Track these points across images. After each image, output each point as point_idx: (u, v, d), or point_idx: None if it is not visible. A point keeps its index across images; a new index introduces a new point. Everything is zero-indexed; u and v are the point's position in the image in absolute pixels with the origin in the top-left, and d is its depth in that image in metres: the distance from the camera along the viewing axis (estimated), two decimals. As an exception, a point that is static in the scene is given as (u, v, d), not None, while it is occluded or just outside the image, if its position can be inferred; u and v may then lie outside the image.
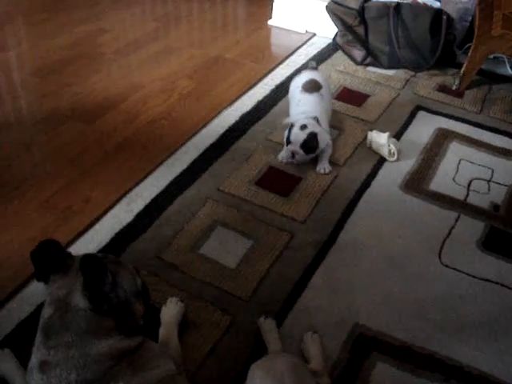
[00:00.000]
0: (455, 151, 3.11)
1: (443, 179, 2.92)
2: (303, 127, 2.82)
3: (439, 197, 2.81)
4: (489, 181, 2.94)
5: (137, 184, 2.78)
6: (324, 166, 2.92)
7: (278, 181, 2.84)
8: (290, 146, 2.87)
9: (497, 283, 2.39)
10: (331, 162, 2.95)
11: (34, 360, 1.66)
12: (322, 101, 3.05)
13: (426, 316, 2.25)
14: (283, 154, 2.95)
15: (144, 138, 3.11)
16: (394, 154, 2.97)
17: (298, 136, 2.82)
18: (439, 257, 2.49)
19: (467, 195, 2.84)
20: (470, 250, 2.55)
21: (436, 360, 2.10)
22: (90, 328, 1.62)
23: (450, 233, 2.61)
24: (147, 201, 2.67)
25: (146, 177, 2.82)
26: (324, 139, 2.87)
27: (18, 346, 2.02)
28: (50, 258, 1.70)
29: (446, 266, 2.45)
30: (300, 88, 3.09)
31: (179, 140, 3.07)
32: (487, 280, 2.41)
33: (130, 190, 2.74)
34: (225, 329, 2.15)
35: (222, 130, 3.15)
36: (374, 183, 2.86)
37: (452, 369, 2.08)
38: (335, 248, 2.50)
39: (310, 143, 2.81)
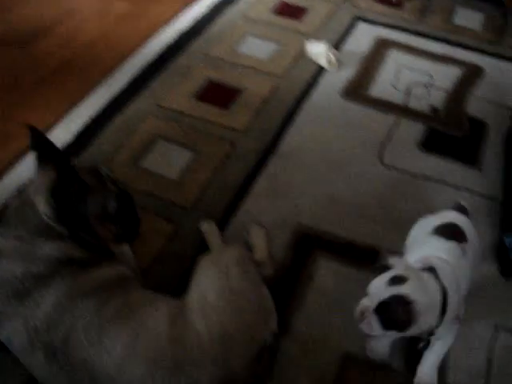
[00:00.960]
0: (395, 59, 3.13)
1: (383, 86, 2.94)
2: (395, 280, 1.59)
3: (379, 102, 2.83)
4: (428, 86, 2.97)
5: (76, 105, 2.73)
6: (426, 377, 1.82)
7: (218, 94, 2.82)
8: (363, 300, 1.65)
9: (437, 181, 2.45)
10: (268, 73, 2.93)
11: None
12: (462, 258, 1.81)
13: (367, 214, 2.30)
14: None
15: (81, 61, 3.03)
16: (333, 63, 2.96)
17: (378, 291, 1.61)
18: (380, 158, 2.53)
19: (407, 100, 2.86)
20: (411, 150, 2.59)
21: (378, 253, 2.16)
22: (43, 229, 1.64)
23: (390, 135, 2.65)
24: (86, 120, 2.64)
25: (84, 98, 2.78)
26: (428, 317, 1.60)
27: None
28: (44, 145, 1.74)
29: (387, 165, 2.50)
30: (432, 230, 1.91)
31: (117, 61, 3.01)
32: (428, 178, 2.46)
33: (69, 111, 2.70)
34: (169, 236, 2.18)
35: (160, 49, 3.10)
36: (314, 92, 2.86)
37: (393, 260, 2.14)
38: (276, 155, 2.52)
39: (391, 311, 1.56)
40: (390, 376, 1.84)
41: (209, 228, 2.17)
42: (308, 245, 2.18)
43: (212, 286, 1.72)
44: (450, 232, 1.85)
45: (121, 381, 1.52)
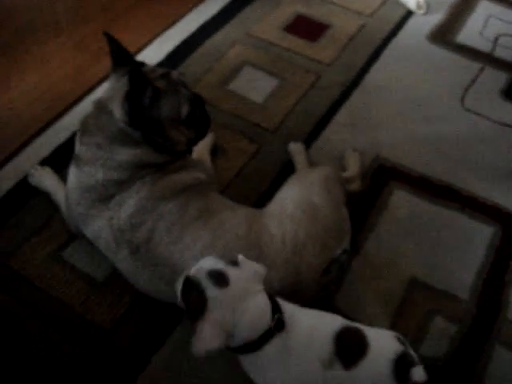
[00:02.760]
0: (485, 8, 3.10)
1: (470, 33, 2.93)
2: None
3: (465, 49, 2.83)
4: (516, 37, 2.95)
5: (168, 28, 2.83)
6: None
7: (306, 28, 2.87)
8: None
9: (516, 129, 2.47)
10: (356, 12, 2.97)
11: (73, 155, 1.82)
12: None
13: (445, 153, 2.35)
14: None
15: (174, -14, 3.13)
16: (421, 6, 2.97)
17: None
18: (461, 102, 2.55)
19: (493, 49, 2.85)
20: (492, 97, 2.60)
21: (452, 191, 2.22)
22: (120, 136, 1.72)
23: (473, 81, 2.66)
24: (177, 42, 2.74)
25: (176, 21, 2.87)
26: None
27: (57, 167, 2.17)
28: (120, 52, 1.81)
29: (468, 110, 2.52)
30: None
31: (209, -11, 3.09)
32: (507, 125, 2.48)
33: (162, 33, 2.80)
34: (251, 155, 2.28)
35: (250, -20, 3.16)
36: (401, 33, 2.88)
37: (467, 199, 2.20)
38: (360, 89, 2.57)
39: None
40: (455, 302, 1.92)
41: (297, 148, 2.25)
42: (385, 175, 2.25)
43: (292, 197, 1.80)
44: None
45: None
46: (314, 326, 1.46)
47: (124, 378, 1.72)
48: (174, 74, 1.85)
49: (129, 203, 1.71)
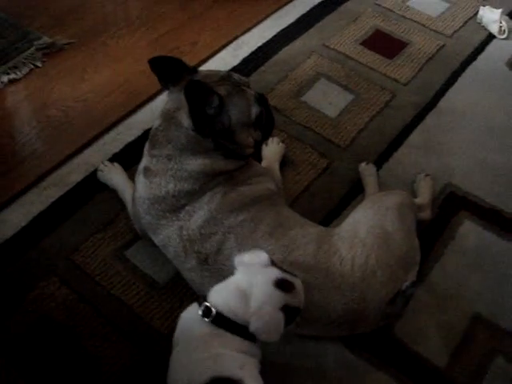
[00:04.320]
0: None
1: (553, 62, 2.84)
2: None
3: (546, 78, 2.75)
4: None
5: (244, 32, 2.82)
6: None
7: (384, 43, 2.82)
8: None
9: None
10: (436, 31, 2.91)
11: (141, 165, 1.82)
12: None
13: (520, 186, 2.28)
14: None
15: (253, -8, 3.12)
16: (504, 31, 2.89)
17: None
18: (539, 134, 2.48)
19: None
20: None
21: (522, 227, 2.15)
22: (190, 145, 1.71)
23: (553, 113, 2.58)
24: (253, 48, 2.72)
25: (253, 27, 2.86)
26: None
27: (126, 164, 2.17)
28: (168, 68, 1.77)
29: (546, 143, 2.45)
30: None
31: (288, -2, 3.07)
32: None
33: (237, 37, 2.80)
34: (321, 170, 2.25)
35: (331, -9, 3.13)
36: (481, 57, 2.81)
37: (539, 236, 2.12)
38: (435, 112, 2.51)
39: None
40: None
41: (368, 170, 2.21)
42: (455, 204, 2.18)
43: (365, 221, 1.77)
44: None
45: None
46: None
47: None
48: (235, 75, 1.84)
49: (199, 214, 1.71)
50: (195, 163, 1.72)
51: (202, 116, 1.67)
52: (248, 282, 1.46)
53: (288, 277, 1.48)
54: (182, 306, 1.83)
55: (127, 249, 1.98)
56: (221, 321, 1.43)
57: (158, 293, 1.88)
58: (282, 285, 1.45)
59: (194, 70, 1.81)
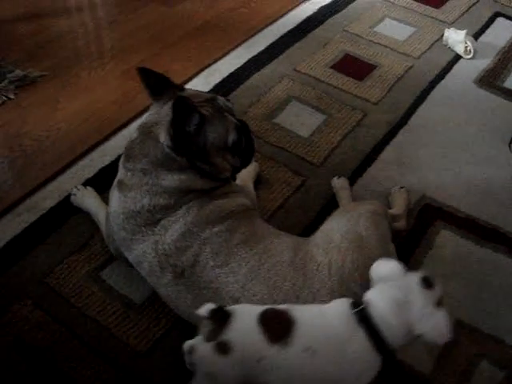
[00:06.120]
0: (535, 56, 3.08)
1: (520, 80, 2.91)
2: None
3: (514, 94, 2.81)
4: None
5: (215, 61, 2.87)
6: None
7: (354, 67, 2.87)
8: None
9: None
10: (404, 54, 2.96)
11: (116, 179, 1.80)
12: None
13: (493, 196, 2.29)
14: None
15: (223, 22, 3.17)
16: (470, 51, 2.96)
17: None
18: (510, 146, 2.50)
19: (545, 97, 2.82)
20: (543, 144, 2.55)
21: (500, 234, 2.16)
22: (165, 162, 1.71)
23: (523, 127, 2.62)
24: (225, 75, 2.76)
25: (224, 55, 2.91)
26: None
27: (99, 189, 2.16)
28: (155, 81, 1.79)
29: (518, 155, 2.48)
30: None
31: (257, 26, 3.13)
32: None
33: (209, 65, 2.84)
34: (296, 187, 2.26)
35: (299, 20, 3.18)
36: (449, 76, 2.87)
37: (516, 243, 2.14)
38: (406, 129, 2.55)
39: None
40: (503, 348, 1.84)
41: (341, 184, 2.22)
42: (431, 214, 2.20)
43: (339, 228, 1.76)
44: None
45: (242, 300, 1.60)
46: None
47: (157, 403, 1.67)
48: (220, 99, 1.84)
49: (174, 228, 1.69)
50: (170, 179, 1.71)
51: (180, 133, 1.67)
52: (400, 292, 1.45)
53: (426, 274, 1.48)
54: (159, 325, 1.82)
55: (102, 270, 1.95)
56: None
57: (135, 312, 1.85)
58: (426, 283, 1.45)
59: (181, 87, 1.83)
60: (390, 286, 1.47)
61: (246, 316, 1.45)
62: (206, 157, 1.74)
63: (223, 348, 1.38)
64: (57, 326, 1.80)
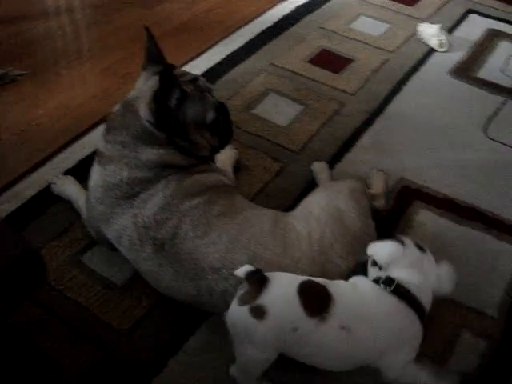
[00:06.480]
0: (505, 48, 3.14)
1: (491, 70, 2.96)
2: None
3: (487, 83, 2.86)
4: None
5: (194, 58, 2.90)
6: None
7: (330, 60, 2.92)
8: None
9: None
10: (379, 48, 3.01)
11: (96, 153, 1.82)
12: None
13: (470, 177, 2.33)
14: None
15: (201, 23, 3.21)
16: (444, 44, 3.01)
17: None
18: (485, 131, 2.55)
19: (516, 86, 2.87)
20: (517, 130, 2.60)
21: (478, 212, 2.19)
22: (144, 136, 1.73)
23: (496, 113, 2.66)
24: (203, 70, 2.78)
25: (203, 53, 2.94)
26: None
27: (79, 178, 2.16)
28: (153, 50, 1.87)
29: (492, 139, 2.52)
30: None
31: (235, 25, 3.17)
32: (533, 157, 2.46)
33: (188, 62, 2.86)
34: (275, 173, 2.28)
35: (276, 19, 3.23)
36: (424, 68, 2.93)
37: (494, 221, 2.17)
38: (383, 117, 2.59)
39: None
40: (484, 319, 1.87)
41: (320, 167, 2.25)
42: (409, 196, 2.23)
43: (318, 202, 1.80)
44: None
45: (223, 271, 1.60)
46: None
47: (140, 379, 1.66)
48: (201, 80, 1.88)
49: (154, 201, 1.70)
50: (149, 153, 1.73)
51: (161, 106, 1.70)
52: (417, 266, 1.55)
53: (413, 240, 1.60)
54: (141, 305, 1.82)
55: (83, 254, 1.95)
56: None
57: (116, 294, 1.85)
58: (421, 248, 1.58)
59: (173, 66, 1.86)
60: (406, 264, 1.53)
61: (284, 283, 1.47)
62: (185, 133, 1.78)
63: (258, 312, 1.39)
64: (37, 309, 1.79)
